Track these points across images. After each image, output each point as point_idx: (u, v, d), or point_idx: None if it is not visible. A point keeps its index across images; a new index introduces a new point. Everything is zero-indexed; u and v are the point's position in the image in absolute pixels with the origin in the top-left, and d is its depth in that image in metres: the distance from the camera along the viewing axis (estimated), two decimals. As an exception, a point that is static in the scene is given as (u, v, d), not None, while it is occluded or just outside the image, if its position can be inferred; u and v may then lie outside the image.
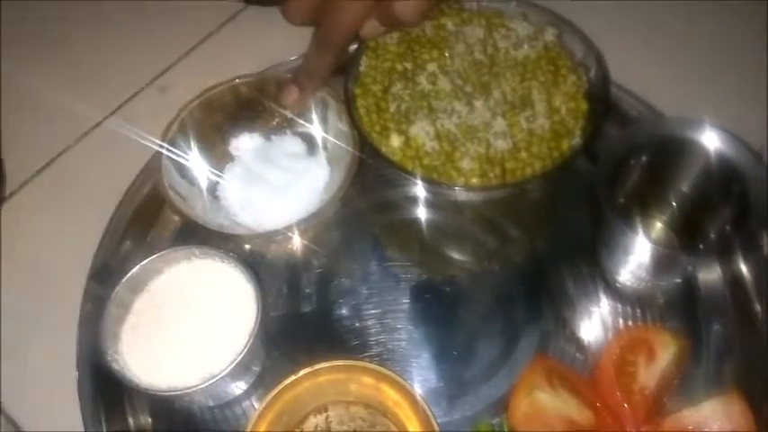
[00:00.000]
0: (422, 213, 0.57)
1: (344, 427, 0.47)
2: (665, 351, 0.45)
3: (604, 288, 0.52)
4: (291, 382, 0.46)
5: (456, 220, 0.57)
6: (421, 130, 0.49)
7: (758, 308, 0.49)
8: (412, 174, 0.49)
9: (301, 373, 0.47)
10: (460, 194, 0.51)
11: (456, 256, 0.55)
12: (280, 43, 0.63)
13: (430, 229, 0.57)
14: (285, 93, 0.53)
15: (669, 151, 0.45)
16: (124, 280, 0.47)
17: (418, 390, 0.46)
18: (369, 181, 0.58)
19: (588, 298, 0.52)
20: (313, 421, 0.48)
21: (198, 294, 0.47)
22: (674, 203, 0.49)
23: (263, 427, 0.45)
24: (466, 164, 0.49)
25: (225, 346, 0.44)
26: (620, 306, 0.51)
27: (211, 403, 0.49)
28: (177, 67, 0.69)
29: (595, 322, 0.51)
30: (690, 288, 0.51)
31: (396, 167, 0.50)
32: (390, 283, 0.53)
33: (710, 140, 0.44)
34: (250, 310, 0.45)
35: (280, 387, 0.46)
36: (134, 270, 0.47)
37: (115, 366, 0.44)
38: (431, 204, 0.57)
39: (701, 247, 0.47)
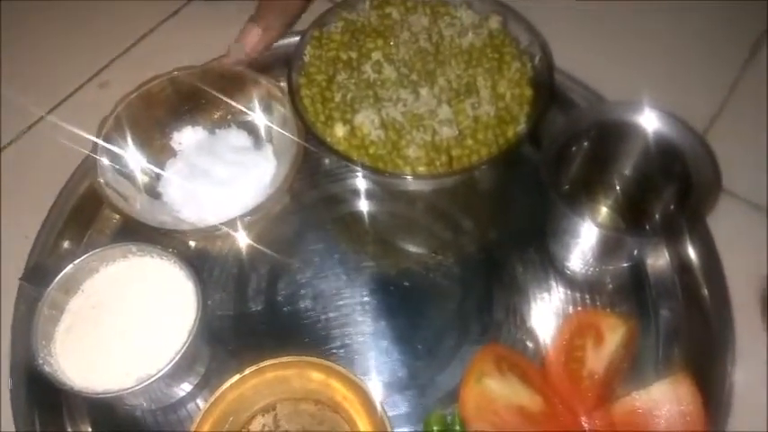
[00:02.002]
0: (372, 205, 0.56)
1: (293, 425, 0.46)
2: (613, 334, 0.45)
3: (555, 275, 0.52)
4: (237, 380, 0.45)
5: (407, 210, 0.56)
6: (366, 119, 0.49)
7: (705, 291, 0.49)
8: (357, 163, 0.48)
9: (247, 371, 0.45)
10: (408, 183, 0.50)
11: (407, 247, 0.54)
12: (222, 38, 0.62)
13: (380, 221, 0.56)
14: (245, 33, 0.45)
15: (610, 135, 0.45)
16: (56, 280, 0.45)
17: (369, 384, 0.46)
18: (319, 174, 0.57)
19: (539, 285, 0.52)
20: (260, 420, 0.46)
21: (135, 293, 0.45)
22: (618, 187, 0.49)
23: (206, 427, 0.43)
24: (412, 152, 0.48)
25: (163, 345, 0.42)
26: (570, 292, 0.51)
27: (153, 406, 0.47)
28: (118, 62, 0.67)
29: (546, 309, 0.51)
30: (639, 273, 0.51)
31: (341, 157, 0.48)
32: (340, 277, 0.52)
33: (650, 122, 0.44)
34: (190, 308, 0.43)
35: (224, 386, 0.45)
36: (67, 269, 0.45)
37: (47, 369, 0.42)
38: (381, 196, 0.56)
39: (647, 228, 0.47)
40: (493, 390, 0.43)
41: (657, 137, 0.44)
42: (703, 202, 0.42)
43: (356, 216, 0.56)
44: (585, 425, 0.43)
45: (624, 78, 0.56)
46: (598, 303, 0.50)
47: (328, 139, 0.49)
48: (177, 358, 0.41)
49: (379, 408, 0.44)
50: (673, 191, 0.45)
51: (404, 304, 0.51)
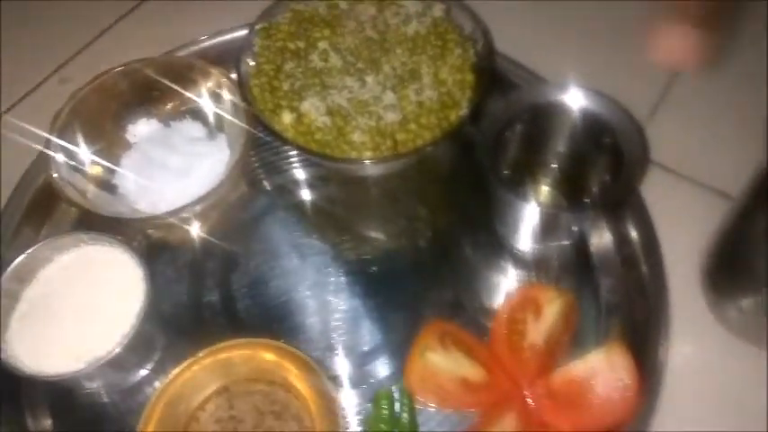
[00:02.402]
0: (325, 192, 0.58)
1: (246, 406, 0.47)
2: (551, 306, 0.47)
3: (503, 254, 0.53)
4: (190, 363, 0.46)
5: (359, 197, 0.57)
6: (312, 107, 0.50)
7: (644, 266, 0.50)
8: (304, 149, 0.50)
9: (200, 353, 0.47)
10: (356, 168, 0.52)
11: (360, 231, 0.56)
12: (179, 33, 0.63)
13: (333, 207, 0.57)
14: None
15: (544, 116, 0.47)
16: (10, 269, 0.46)
17: (321, 364, 0.47)
18: (274, 163, 0.59)
19: (488, 265, 0.53)
20: (215, 402, 0.47)
21: (86, 280, 0.46)
22: (555, 165, 0.50)
23: (160, 409, 0.45)
24: (357, 137, 0.49)
25: (113, 330, 0.43)
26: (518, 270, 0.53)
27: (110, 391, 0.48)
28: (78, 58, 0.68)
29: (495, 287, 0.52)
30: (584, 249, 0.53)
31: (288, 144, 0.50)
32: (294, 262, 0.54)
33: (579, 101, 0.46)
34: (138, 293, 0.44)
35: (178, 369, 0.46)
36: (20, 259, 0.46)
37: (1, 356, 0.43)
38: (334, 183, 0.57)
39: (585, 204, 0.48)
40: (435, 363, 0.45)
41: (588, 114, 0.46)
42: (634, 174, 0.44)
43: (310, 203, 0.58)
44: (527, 393, 0.45)
45: (568, 63, 0.57)
46: (545, 280, 0.52)
47: (276, 127, 0.50)
48: (125, 342, 0.42)
49: (329, 386, 0.46)
50: (606, 166, 0.47)
51: (356, 286, 0.53)
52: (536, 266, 0.53)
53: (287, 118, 0.50)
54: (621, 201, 0.46)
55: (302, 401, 0.46)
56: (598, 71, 0.56)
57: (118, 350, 0.42)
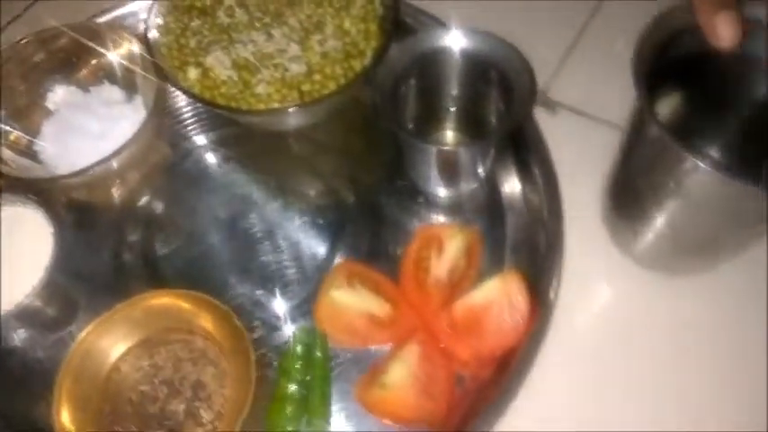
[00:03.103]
0: (243, 149, 0.59)
1: (166, 354, 0.49)
2: (453, 243, 0.49)
3: (416, 199, 0.55)
4: (107, 316, 0.48)
5: (275, 152, 0.58)
6: (216, 60, 0.51)
7: (544, 202, 0.52)
8: (211, 103, 0.51)
9: (118, 306, 0.48)
10: (264, 121, 0.53)
11: (277, 185, 0.57)
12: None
13: (251, 163, 0.58)
14: (725, 24, 0.37)
15: (433, 62, 0.49)
16: None
17: (240, 310, 0.48)
18: (194, 123, 0.60)
19: (402, 210, 0.55)
20: (135, 352, 0.49)
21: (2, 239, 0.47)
22: (453, 109, 0.52)
23: (75, 362, 0.46)
24: (263, 89, 0.51)
25: (25, 283, 0.45)
26: (431, 214, 0.54)
27: (32, 351, 0.49)
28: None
29: (409, 231, 0.54)
30: (493, 190, 0.55)
31: (195, 99, 0.51)
32: (212, 216, 0.55)
33: (462, 42, 0.48)
34: (48, 248, 0.46)
35: (94, 322, 0.47)
36: (-68, 222, 0.47)
37: None
38: (251, 140, 0.59)
39: (482, 137, 0.50)
40: (342, 301, 0.47)
41: (472, 54, 0.47)
42: (523, 103, 0.46)
43: (230, 161, 0.59)
44: (431, 325, 0.47)
45: (480, 11, 0.59)
46: (459, 221, 0.54)
47: (183, 84, 0.51)
48: (35, 293, 0.43)
49: (243, 331, 0.47)
50: (498, 100, 0.48)
51: (273, 237, 0.54)
52: (450, 209, 0.55)
53: (192, 73, 0.51)
54: (513, 129, 0.47)
55: (219, 347, 0.48)
56: (512, 18, 0.58)
57: (27, 302, 0.43)
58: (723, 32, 0.38)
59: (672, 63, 0.42)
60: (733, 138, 0.47)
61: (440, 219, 0.54)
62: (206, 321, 0.49)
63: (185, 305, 0.49)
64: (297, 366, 0.47)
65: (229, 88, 0.51)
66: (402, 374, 0.43)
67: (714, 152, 0.48)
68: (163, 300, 0.49)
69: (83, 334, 0.47)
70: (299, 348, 0.48)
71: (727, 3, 0.38)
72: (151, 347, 0.49)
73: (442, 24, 0.58)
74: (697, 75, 0.43)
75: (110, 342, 0.48)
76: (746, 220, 0.40)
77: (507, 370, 0.44)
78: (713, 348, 0.46)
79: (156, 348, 0.49)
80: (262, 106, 0.51)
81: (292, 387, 0.45)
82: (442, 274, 0.48)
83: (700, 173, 0.37)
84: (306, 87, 0.51)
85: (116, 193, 0.57)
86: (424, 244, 0.49)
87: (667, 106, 0.45)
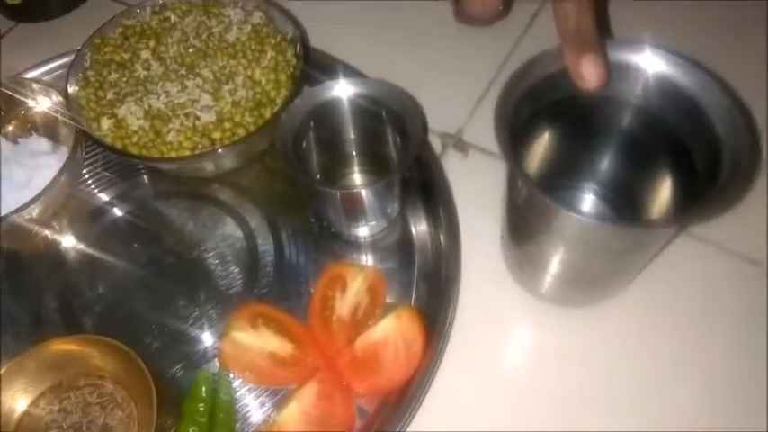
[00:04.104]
0: (163, 197, 0.60)
1: (75, 399, 0.49)
2: (355, 282, 0.50)
3: (334, 241, 0.56)
4: (16, 362, 0.49)
5: (195, 200, 0.60)
6: (127, 111, 0.53)
7: (443, 239, 0.53)
8: (123, 152, 0.53)
9: (28, 352, 0.49)
10: (176, 168, 0.55)
11: (191, 232, 0.58)
12: (28, 56, 0.66)
13: (172, 208, 0.59)
14: (590, 67, 0.40)
15: (327, 113, 0.51)
16: None
17: (148, 354, 0.49)
18: (118, 174, 0.62)
19: (320, 251, 0.56)
20: (47, 397, 0.50)
21: None
22: (353, 152, 0.54)
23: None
24: (173, 137, 0.53)
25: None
26: (348, 255, 0.56)
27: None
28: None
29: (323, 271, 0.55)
30: (402, 228, 0.56)
31: (108, 148, 0.53)
32: (126, 265, 0.56)
33: (352, 89, 0.50)
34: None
35: (3, 369, 0.48)
36: None
37: None
38: (172, 187, 0.60)
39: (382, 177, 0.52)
40: (243, 341, 0.48)
41: (364, 97, 0.50)
42: (416, 143, 0.48)
43: (150, 208, 0.60)
44: (334, 363, 0.48)
45: (381, 58, 0.62)
46: (372, 260, 0.55)
47: (96, 134, 0.53)
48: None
49: (148, 375, 0.48)
50: (394, 139, 0.51)
51: (193, 279, 0.55)
52: (365, 249, 0.56)
53: (105, 124, 0.53)
54: (407, 166, 0.49)
55: (129, 391, 0.49)
56: (429, 74, 0.61)
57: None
58: (588, 75, 0.40)
59: (549, 105, 0.45)
60: (609, 171, 0.49)
61: (358, 258, 0.55)
62: (114, 366, 0.50)
63: (91, 350, 0.50)
64: (200, 408, 0.48)
65: (141, 137, 0.53)
66: (293, 414, 0.44)
67: (593, 185, 0.51)
68: (70, 346, 0.50)
69: (-9, 380, 0.48)
70: (203, 390, 0.48)
71: (592, 46, 0.41)
72: (61, 393, 0.50)
73: (359, 74, 0.61)
74: (574, 114, 0.46)
75: (22, 387, 0.49)
76: (613, 251, 0.42)
77: (405, 396, 0.45)
78: (603, 377, 0.47)
79: (66, 393, 0.50)
80: (174, 154, 0.53)
81: (192, 430, 0.46)
82: (346, 312, 0.49)
83: (564, 217, 0.39)
84: (216, 135, 0.54)
85: (38, 241, 0.58)
86: (329, 283, 0.51)
87: (547, 146, 0.48)
